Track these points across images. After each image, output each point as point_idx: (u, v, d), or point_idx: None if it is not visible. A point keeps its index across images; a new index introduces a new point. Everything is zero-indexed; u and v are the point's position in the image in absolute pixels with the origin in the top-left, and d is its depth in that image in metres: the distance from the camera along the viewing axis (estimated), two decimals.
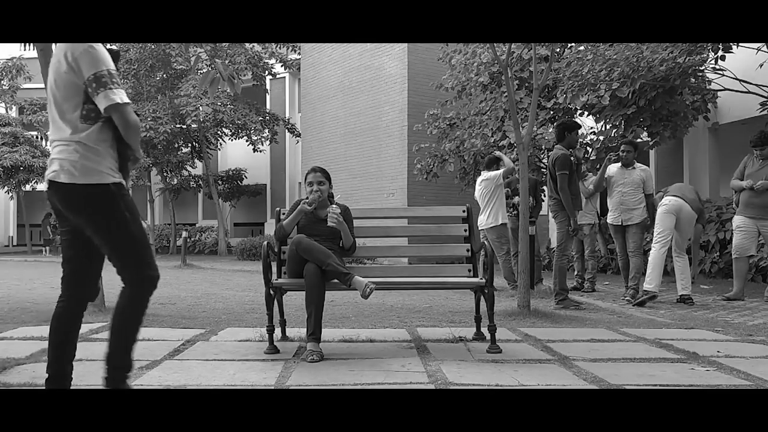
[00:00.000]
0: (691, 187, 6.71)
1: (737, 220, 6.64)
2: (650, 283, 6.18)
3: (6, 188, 23.52)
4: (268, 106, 23.14)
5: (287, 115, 22.88)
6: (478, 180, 7.84)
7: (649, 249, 6.49)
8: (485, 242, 5.14)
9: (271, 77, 21.92)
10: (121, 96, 2.29)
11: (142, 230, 2.43)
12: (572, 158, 6.16)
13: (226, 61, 19.59)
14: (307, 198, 3.94)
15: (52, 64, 2.36)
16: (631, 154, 6.84)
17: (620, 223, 6.83)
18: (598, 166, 8.44)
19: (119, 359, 2.43)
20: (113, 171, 2.38)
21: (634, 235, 6.69)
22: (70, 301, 2.45)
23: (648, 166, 12.10)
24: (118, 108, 2.28)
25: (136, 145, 2.41)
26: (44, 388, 2.48)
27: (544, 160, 10.01)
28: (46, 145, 24.80)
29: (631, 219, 6.73)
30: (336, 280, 3.63)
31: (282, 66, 21.42)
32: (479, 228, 7.67)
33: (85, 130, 2.31)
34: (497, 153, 7.93)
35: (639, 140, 8.82)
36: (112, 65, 2.33)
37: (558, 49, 9.92)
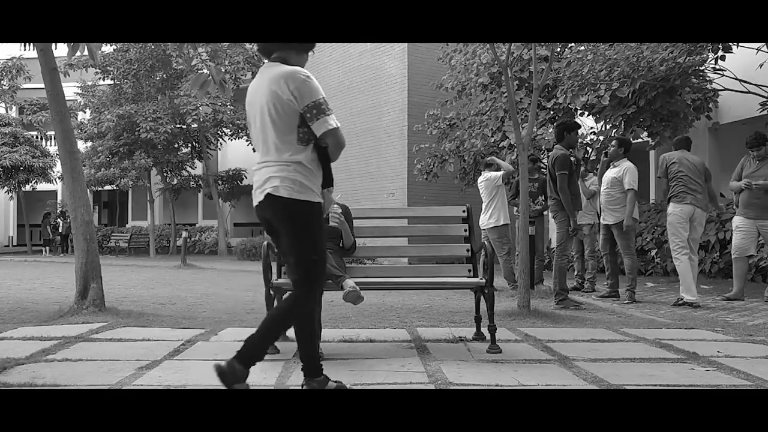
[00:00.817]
0: (698, 173, 6.38)
1: (737, 221, 6.62)
2: (692, 294, 6.11)
3: (6, 188, 23.51)
4: None
5: None
6: (479, 180, 7.92)
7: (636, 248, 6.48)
8: (485, 242, 5.12)
9: None
10: (336, 121, 2.59)
11: (324, 250, 2.68)
12: (572, 158, 6.16)
13: (226, 62, 19.60)
14: None
15: (269, 91, 2.57)
16: (614, 149, 6.82)
17: (602, 221, 6.91)
18: (597, 167, 8.46)
19: (245, 352, 2.60)
20: (319, 191, 2.64)
21: (618, 237, 6.66)
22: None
23: (648, 166, 12.13)
24: (334, 132, 2.57)
25: (334, 162, 2.70)
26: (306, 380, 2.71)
27: (544, 160, 10.01)
28: (46, 145, 24.82)
29: (609, 219, 6.71)
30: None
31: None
32: (481, 227, 7.70)
33: (302, 151, 2.57)
34: (488, 159, 8.00)
35: (640, 140, 8.83)
36: (323, 93, 2.62)
37: (558, 49, 9.92)
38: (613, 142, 6.95)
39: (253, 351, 2.58)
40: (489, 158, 8.02)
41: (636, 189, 6.54)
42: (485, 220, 7.63)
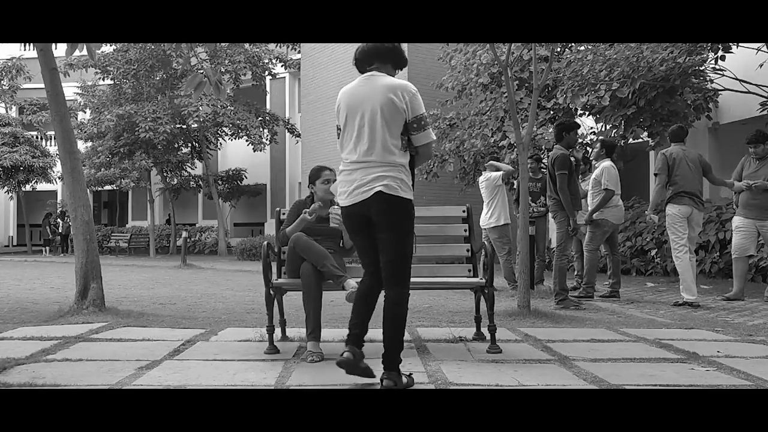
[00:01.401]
0: (696, 172, 6.38)
1: (736, 221, 6.63)
2: (691, 293, 6.13)
3: (6, 188, 23.51)
4: (268, 107, 23.16)
5: (287, 115, 22.89)
6: (480, 180, 7.96)
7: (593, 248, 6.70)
8: (485, 242, 5.10)
9: (270, 77, 21.96)
10: (433, 134, 2.95)
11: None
12: (571, 158, 6.17)
13: (226, 61, 19.59)
14: (308, 199, 4.00)
15: (386, 97, 2.84)
16: (597, 150, 7.00)
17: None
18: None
19: (394, 358, 2.83)
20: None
21: (588, 232, 6.84)
22: (372, 281, 2.99)
23: (648, 166, 12.12)
24: (431, 144, 2.95)
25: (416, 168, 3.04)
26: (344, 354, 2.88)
27: (544, 160, 10.02)
28: (46, 145, 24.81)
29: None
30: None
31: (282, 66, 21.44)
32: (482, 227, 7.71)
33: (405, 156, 2.90)
34: (488, 164, 8.03)
35: (640, 140, 8.81)
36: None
37: (558, 49, 9.92)
38: (597, 144, 7.04)
39: (396, 354, 2.83)
40: (489, 163, 8.06)
41: (610, 188, 6.61)
42: (486, 220, 7.67)
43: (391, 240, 2.86)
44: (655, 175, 6.54)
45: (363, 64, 2.99)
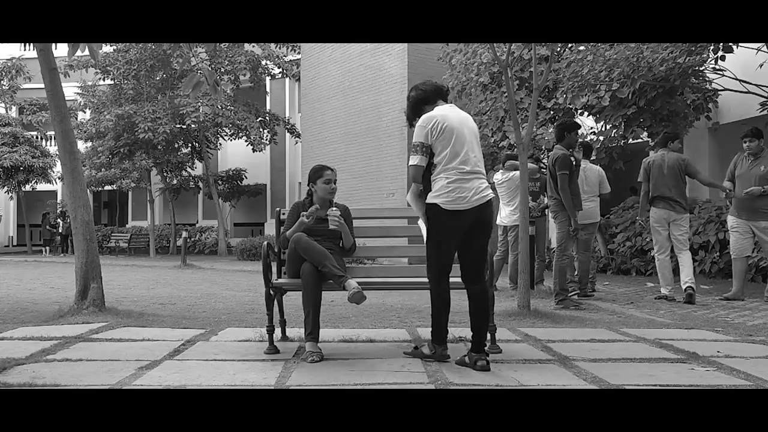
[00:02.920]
0: (671, 176, 6.45)
1: (730, 220, 6.66)
2: (665, 288, 6.61)
3: (6, 188, 23.49)
4: (267, 107, 23.14)
5: (287, 115, 22.88)
6: (497, 179, 7.63)
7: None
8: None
9: (270, 78, 21.95)
10: None
11: None
12: (572, 158, 6.17)
13: (225, 62, 19.58)
14: (307, 199, 4.00)
15: (473, 124, 3.48)
16: (579, 152, 7.01)
17: None
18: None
19: (486, 332, 3.37)
20: None
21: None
22: (447, 284, 3.41)
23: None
24: None
25: None
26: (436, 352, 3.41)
27: (545, 161, 10.01)
28: (46, 145, 24.80)
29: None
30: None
31: (281, 75, 21.43)
32: (501, 223, 7.55)
33: None
34: (509, 164, 7.73)
35: (639, 140, 8.77)
36: None
37: (558, 49, 9.91)
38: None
39: (485, 340, 3.32)
40: (508, 163, 7.77)
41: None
42: (510, 217, 7.39)
43: (485, 243, 3.40)
44: (639, 181, 6.91)
45: (426, 101, 3.50)
